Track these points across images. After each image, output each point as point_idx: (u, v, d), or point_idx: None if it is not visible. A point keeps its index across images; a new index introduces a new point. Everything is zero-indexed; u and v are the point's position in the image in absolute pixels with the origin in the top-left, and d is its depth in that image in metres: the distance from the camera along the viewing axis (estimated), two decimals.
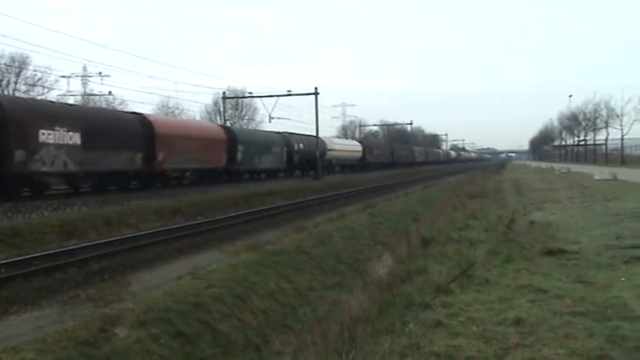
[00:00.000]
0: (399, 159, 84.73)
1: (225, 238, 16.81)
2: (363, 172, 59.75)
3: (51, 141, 21.76)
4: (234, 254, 13.86)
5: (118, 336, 7.91)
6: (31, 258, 12.61)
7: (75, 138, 23.02)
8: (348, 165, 63.23)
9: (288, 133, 46.98)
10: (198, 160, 32.51)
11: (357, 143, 70.86)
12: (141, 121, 28.81)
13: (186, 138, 31.17)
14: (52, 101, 27.95)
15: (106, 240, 15.31)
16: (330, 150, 56.31)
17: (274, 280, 12.80)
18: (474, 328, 6.55)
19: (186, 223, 19.40)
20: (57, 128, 22.08)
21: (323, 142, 54.16)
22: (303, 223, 19.75)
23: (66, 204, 19.89)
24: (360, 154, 66.47)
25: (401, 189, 40.73)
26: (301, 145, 47.62)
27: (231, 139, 36.68)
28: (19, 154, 20.32)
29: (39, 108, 23.26)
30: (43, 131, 21.36)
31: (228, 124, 52.81)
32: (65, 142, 22.43)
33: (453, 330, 6.52)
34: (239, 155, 37.08)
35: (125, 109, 43.27)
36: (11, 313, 8.98)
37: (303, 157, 48.08)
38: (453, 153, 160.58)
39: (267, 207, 25.48)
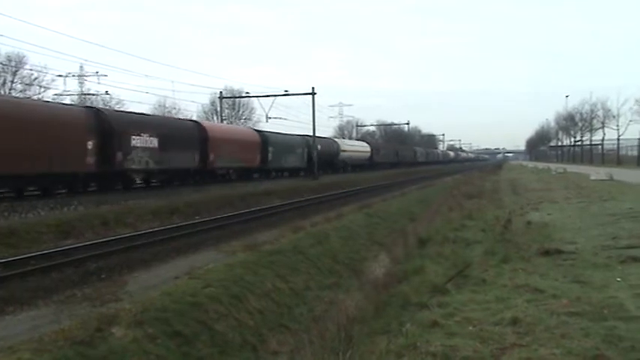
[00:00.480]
0: (402, 159, 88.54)
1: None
2: (372, 171, 64.97)
3: (138, 145, 27.42)
4: (231, 254, 13.86)
5: (115, 336, 7.91)
6: (27, 257, 12.58)
7: (154, 142, 28.59)
8: (358, 164, 66.57)
9: (308, 136, 51.50)
10: (239, 160, 38.04)
11: (366, 144, 74.05)
12: (198, 127, 34.61)
13: (230, 141, 36.69)
14: (138, 113, 33.80)
15: (103, 240, 15.29)
16: (343, 151, 60.91)
17: (271, 280, 12.80)
18: (471, 328, 6.57)
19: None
20: (142, 135, 27.73)
21: (337, 144, 60.55)
22: (300, 223, 19.76)
23: (62, 204, 19.87)
24: (368, 154, 70.36)
25: (399, 189, 40.78)
26: (319, 147, 51.99)
27: (264, 141, 41.61)
28: (119, 156, 26.09)
29: (130, 119, 28.92)
30: (133, 137, 27.14)
31: (225, 123, 52.79)
32: (148, 146, 28.05)
33: (449, 330, 6.53)
34: (270, 156, 42.02)
35: (122, 109, 43.27)
36: (7, 312, 8.97)
37: (321, 157, 52.86)
38: (451, 153, 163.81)
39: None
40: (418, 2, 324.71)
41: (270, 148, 42.14)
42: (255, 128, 45.06)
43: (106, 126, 25.43)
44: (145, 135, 27.96)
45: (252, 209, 24.18)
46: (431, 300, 7.78)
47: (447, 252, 11.74)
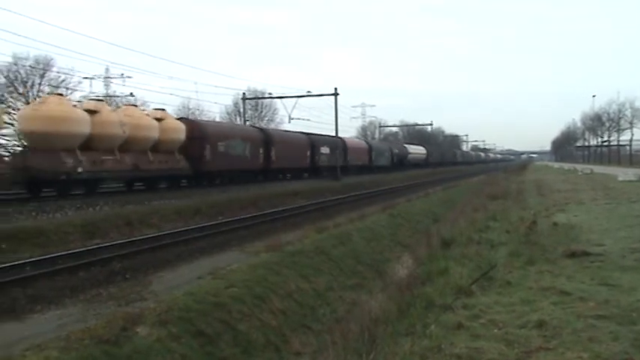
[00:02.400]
0: (446, 159, 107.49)
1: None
2: (426, 169, 79.72)
3: (222, 149, 32.34)
4: (254, 254, 13.90)
5: (140, 335, 7.98)
6: (54, 257, 12.76)
7: (240, 148, 35.08)
8: (418, 164, 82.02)
9: (366, 139, 65.74)
10: (293, 161, 42.55)
11: (423, 148, 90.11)
12: (263, 132, 40.10)
13: (287, 144, 41.64)
14: (221, 122, 41.94)
15: (128, 239, 15.44)
16: (410, 153, 79.78)
17: (294, 281, 12.82)
18: (496, 330, 6.50)
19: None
20: (225, 140, 33.13)
21: (406, 148, 79.57)
22: (324, 223, 19.75)
23: (88, 204, 20.12)
24: (425, 155, 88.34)
25: (423, 189, 40.57)
26: (396, 150, 70.30)
27: (312, 144, 46.63)
28: (208, 158, 31.17)
29: (217, 127, 36.50)
30: (219, 143, 32.24)
31: (247, 124, 53.08)
32: (227, 150, 33.03)
33: (474, 332, 6.47)
34: (320, 156, 47.93)
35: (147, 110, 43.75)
36: (36, 311, 9.11)
37: (396, 159, 69.93)
38: (482, 154, 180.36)
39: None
40: (443, 1, 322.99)
41: (323, 149, 48.77)
42: (304, 132, 48.65)
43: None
44: (227, 141, 33.40)
45: (277, 209, 24.22)
46: (455, 302, 7.71)
47: (471, 253, 11.63)
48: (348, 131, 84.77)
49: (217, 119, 58.71)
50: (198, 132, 30.64)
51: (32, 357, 6.82)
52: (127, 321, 8.12)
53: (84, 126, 23.06)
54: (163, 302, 9.27)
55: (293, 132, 46.84)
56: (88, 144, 23.44)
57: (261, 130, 40.71)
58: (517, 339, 6.09)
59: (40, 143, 22.00)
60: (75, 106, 24.52)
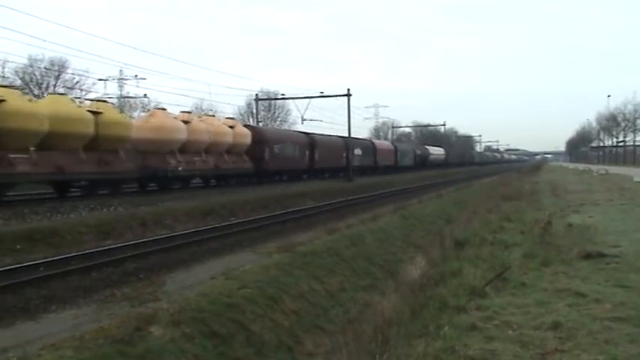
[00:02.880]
0: (464, 159, 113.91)
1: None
2: (446, 169, 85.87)
3: (277, 151, 37.88)
4: (266, 255, 13.91)
5: (153, 335, 8.00)
6: (68, 257, 12.85)
7: (291, 150, 40.53)
8: (438, 164, 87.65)
9: (392, 142, 69.73)
10: (332, 161, 47.90)
11: (442, 149, 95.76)
12: (307, 136, 44.68)
13: (327, 146, 47.48)
14: (277, 128, 44.96)
15: (142, 240, 15.52)
16: (431, 154, 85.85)
17: (306, 281, 12.81)
18: (510, 332, 6.45)
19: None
20: (280, 144, 38.67)
21: (428, 150, 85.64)
22: (335, 225, 19.73)
23: (103, 204, 20.27)
24: (444, 156, 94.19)
25: (435, 190, 40.42)
26: (419, 151, 77.58)
27: (347, 146, 50.46)
28: (267, 159, 36.71)
29: (274, 132, 42.86)
30: (275, 146, 37.98)
31: (260, 125, 53.33)
32: (281, 152, 38.46)
33: (488, 334, 6.42)
34: (354, 157, 52.06)
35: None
36: (50, 311, 9.17)
37: (419, 159, 76.31)
38: (497, 155, 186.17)
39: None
40: (454, 1, 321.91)
41: (356, 151, 53.99)
42: (340, 135, 52.98)
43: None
44: (281, 144, 39.00)
45: (288, 210, 24.25)
46: (469, 303, 7.66)
47: (485, 254, 11.55)
48: (361, 132, 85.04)
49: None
50: (259, 137, 36.52)
51: (47, 356, 6.86)
52: (141, 321, 8.15)
53: (182, 134, 29.15)
54: (177, 302, 9.30)
55: (332, 136, 52.40)
56: (184, 148, 29.42)
57: (307, 134, 45.03)
58: (532, 341, 6.04)
59: (151, 148, 27.39)
60: (175, 117, 30.23)
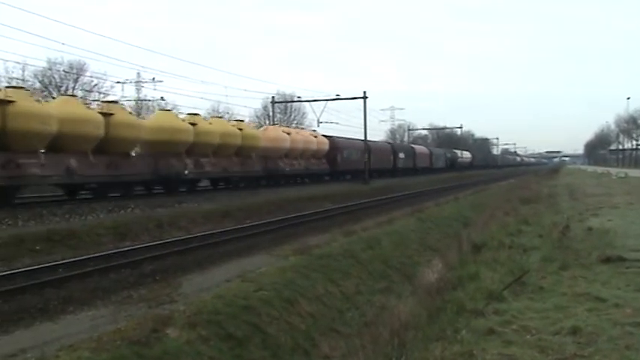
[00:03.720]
0: (488, 162, 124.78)
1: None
2: (472, 170, 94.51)
3: (345, 156, 48.77)
4: (282, 257, 13.90)
5: (170, 337, 8.02)
6: (86, 259, 12.95)
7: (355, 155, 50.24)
8: (465, 166, 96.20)
9: (428, 147, 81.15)
10: (382, 164, 56.97)
11: (469, 153, 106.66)
12: (366, 143, 50.17)
13: (379, 151, 56.85)
14: (345, 138, 51.75)
15: (158, 242, 15.58)
16: (459, 157, 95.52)
17: (322, 284, 12.79)
18: (529, 336, 6.38)
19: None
20: (347, 150, 49.39)
21: (456, 153, 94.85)
22: (351, 227, 19.69)
23: (120, 206, 20.41)
24: (470, 159, 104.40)
25: (453, 193, 40.23)
26: (449, 155, 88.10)
27: (394, 151, 61.78)
28: (339, 161, 47.43)
29: (343, 141, 50.30)
30: (344, 151, 48.75)
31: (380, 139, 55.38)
32: (348, 156, 49.15)
33: (506, 338, 6.37)
34: (399, 160, 62.39)
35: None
36: (68, 312, 9.23)
37: (448, 161, 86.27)
38: (518, 158, 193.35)
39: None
40: (468, 3, 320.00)
41: (399, 154, 63.30)
42: (388, 141, 66.58)
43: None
44: (349, 149, 49.65)
45: (305, 212, 24.25)
46: (487, 307, 7.60)
47: (502, 258, 11.46)
48: (377, 135, 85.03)
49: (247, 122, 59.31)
50: (333, 145, 47.11)
51: (65, 357, 6.90)
52: (158, 322, 8.17)
53: (286, 143, 39.93)
54: (193, 304, 9.32)
55: (381, 142, 66.06)
56: (288, 153, 40.14)
57: (365, 141, 50.71)
58: (551, 346, 5.97)
59: (271, 153, 38.25)
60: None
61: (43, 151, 20.79)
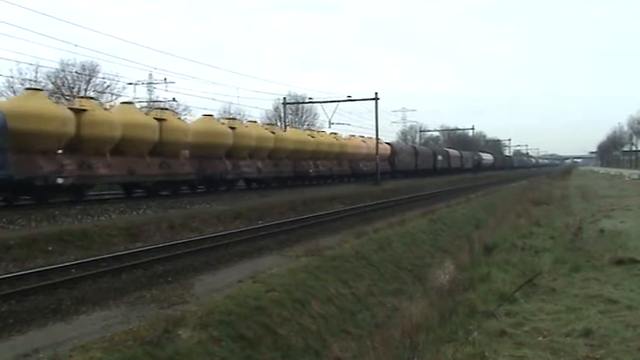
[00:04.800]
0: (506, 164, 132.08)
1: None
2: (494, 171, 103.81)
3: (401, 158, 59.09)
4: (294, 258, 13.92)
5: (181, 337, 8.06)
6: (99, 259, 13.03)
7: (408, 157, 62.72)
8: (488, 167, 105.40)
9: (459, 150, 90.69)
10: (426, 164, 68.23)
11: (491, 156, 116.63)
12: (414, 148, 65.90)
13: (423, 154, 68.57)
14: (400, 143, 63.17)
15: (170, 243, 15.64)
16: (483, 160, 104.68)
17: (333, 285, 12.79)
18: (540, 338, 6.36)
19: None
20: (402, 154, 60.49)
21: (480, 156, 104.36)
22: (363, 228, 19.68)
23: (132, 207, 20.53)
24: (492, 161, 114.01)
25: (464, 194, 40.09)
26: (475, 157, 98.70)
27: (434, 153, 73.65)
28: (397, 163, 58.20)
29: (400, 146, 64.12)
30: (400, 155, 59.86)
31: (288, 129, 53.53)
32: (403, 159, 59.96)
33: (518, 340, 6.35)
34: (437, 162, 72.84)
35: (188, 115, 44.77)
36: (81, 312, 9.29)
37: (474, 163, 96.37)
38: (533, 160, 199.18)
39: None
40: (479, 4, 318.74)
41: (438, 157, 74.01)
42: (427, 145, 78.10)
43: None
44: (404, 153, 61.47)
45: (318, 213, 24.28)
46: (498, 309, 7.58)
47: (514, 260, 11.43)
48: (388, 136, 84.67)
49: (259, 123, 59.50)
50: (393, 149, 59.00)
51: (77, 357, 6.95)
52: (170, 323, 8.21)
53: (363, 149, 51.15)
54: (205, 305, 9.36)
55: (424, 146, 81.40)
56: (366, 157, 51.24)
57: (413, 146, 65.09)
58: (563, 348, 5.95)
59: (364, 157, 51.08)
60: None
61: (108, 153, 23.53)
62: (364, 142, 52.12)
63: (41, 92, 23.49)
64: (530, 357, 5.73)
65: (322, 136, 45.36)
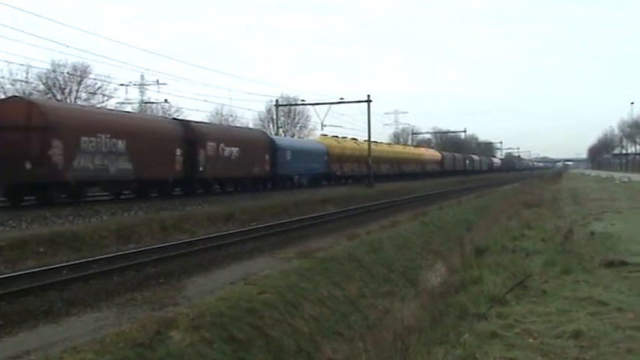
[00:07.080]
0: (509, 167, 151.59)
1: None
2: (501, 173, 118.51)
3: (446, 162, 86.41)
4: (286, 260, 13.93)
5: (173, 339, 8.05)
6: (90, 261, 12.99)
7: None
8: (496, 169, 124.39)
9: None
10: (457, 167, 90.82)
11: (499, 160, 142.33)
12: (453, 155, 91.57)
13: (457, 160, 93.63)
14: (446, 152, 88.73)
15: (162, 245, 15.62)
16: (494, 163, 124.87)
17: (325, 287, 12.80)
18: (531, 340, 6.40)
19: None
20: (448, 158, 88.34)
21: (492, 159, 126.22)
22: (355, 230, 19.71)
23: (123, 209, 20.46)
24: (500, 164, 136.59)
25: (455, 197, 40.24)
26: (488, 161, 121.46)
27: (464, 158, 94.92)
28: (445, 165, 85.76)
29: (445, 154, 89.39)
30: (446, 159, 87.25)
31: (280, 131, 53.57)
32: (448, 162, 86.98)
33: (508, 341, 6.39)
34: (467, 165, 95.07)
35: (180, 117, 44.35)
36: (72, 314, 9.26)
37: (487, 166, 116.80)
38: (530, 163, 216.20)
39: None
40: (471, 7, 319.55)
41: (467, 161, 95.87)
42: (437, 150, 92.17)
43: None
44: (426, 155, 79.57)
45: (309, 216, 24.29)
46: (489, 311, 7.62)
47: (505, 262, 11.48)
48: (380, 138, 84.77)
49: (250, 125, 59.53)
50: (442, 156, 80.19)
51: (68, 359, 6.93)
52: (161, 325, 8.19)
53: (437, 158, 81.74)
54: (196, 307, 9.34)
55: (458, 154, 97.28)
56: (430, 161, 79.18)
57: (452, 154, 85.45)
58: (553, 349, 5.99)
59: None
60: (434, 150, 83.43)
61: None
62: (427, 151, 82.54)
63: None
64: (520, 358, 5.77)
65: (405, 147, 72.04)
